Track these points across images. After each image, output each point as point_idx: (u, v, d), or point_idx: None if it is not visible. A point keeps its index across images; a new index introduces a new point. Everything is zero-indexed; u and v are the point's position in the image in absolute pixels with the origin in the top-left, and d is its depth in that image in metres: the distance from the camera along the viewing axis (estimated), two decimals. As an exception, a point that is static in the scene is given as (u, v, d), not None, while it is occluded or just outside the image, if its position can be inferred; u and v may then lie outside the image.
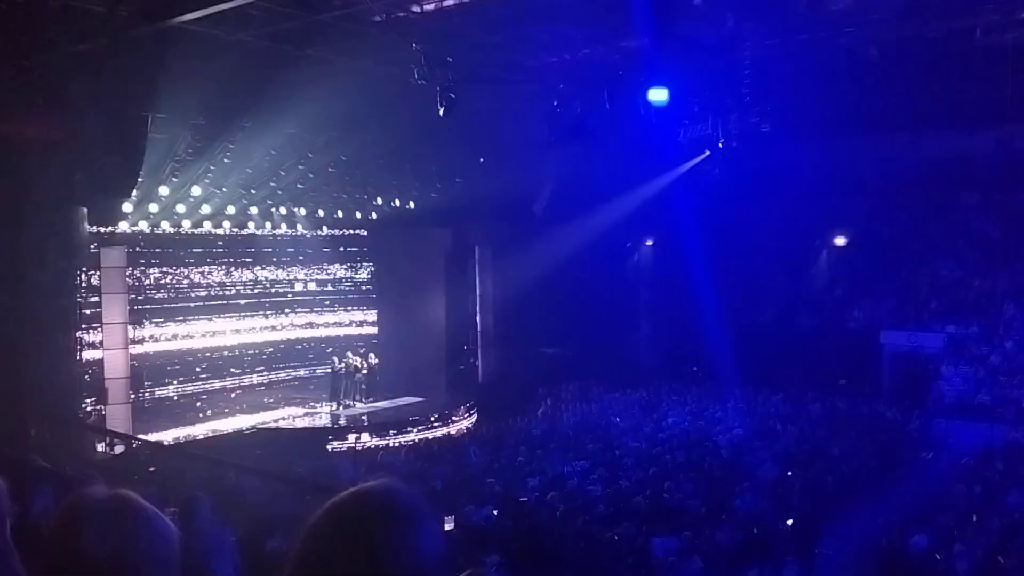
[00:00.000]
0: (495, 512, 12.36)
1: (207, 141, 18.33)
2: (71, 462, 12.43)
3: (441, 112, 15.45)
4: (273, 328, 24.68)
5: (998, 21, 14.90)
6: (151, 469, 13.78)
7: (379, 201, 24.34)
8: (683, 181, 23.23)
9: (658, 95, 15.51)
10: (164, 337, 21.69)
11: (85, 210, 16.71)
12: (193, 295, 22.53)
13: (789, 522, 12.46)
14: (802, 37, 16.05)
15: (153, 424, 19.26)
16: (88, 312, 18.31)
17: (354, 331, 26.25)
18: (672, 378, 25.10)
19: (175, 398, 21.54)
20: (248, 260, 24.13)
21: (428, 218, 24.84)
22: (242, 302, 23.84)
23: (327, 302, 26.19)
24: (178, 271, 22.13)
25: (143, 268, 21.04)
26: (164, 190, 18.83)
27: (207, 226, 21.81)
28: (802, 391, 22.45)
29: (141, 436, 17.08)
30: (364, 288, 27.09)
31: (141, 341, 20.65)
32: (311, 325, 25.62)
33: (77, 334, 16.66)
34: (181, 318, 22.08)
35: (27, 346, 14.69)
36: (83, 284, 18.11)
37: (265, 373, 24.12)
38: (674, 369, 25.94)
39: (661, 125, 16.14)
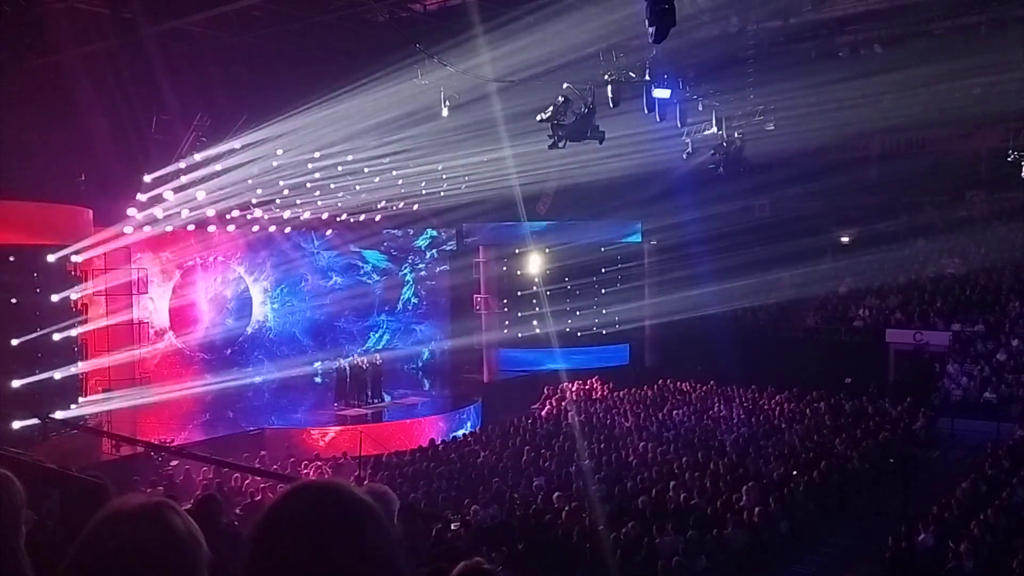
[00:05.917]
0: (500, 512, 12.35)
1: (211, 141, 18.23)
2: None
3: (444, 112, 15.40)
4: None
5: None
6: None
7: (383, 203, 24.26)
8: (686, 179, 23.16)
9: (661, 95, 15.43)
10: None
11: (90, 211, 16.69)
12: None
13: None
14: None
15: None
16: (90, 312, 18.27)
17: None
18: (677, 377, 25.02)
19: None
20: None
21: (433, 217, 24.83)
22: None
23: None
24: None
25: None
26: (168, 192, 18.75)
27: (211, 228, 21.75)
28: (807, 390, 22.34)
29: (144, 439, 17.00)
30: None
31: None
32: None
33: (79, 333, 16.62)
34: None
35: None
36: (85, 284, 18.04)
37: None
38: (679, 368, 25.87)
39: (664, 124, 16.10)
